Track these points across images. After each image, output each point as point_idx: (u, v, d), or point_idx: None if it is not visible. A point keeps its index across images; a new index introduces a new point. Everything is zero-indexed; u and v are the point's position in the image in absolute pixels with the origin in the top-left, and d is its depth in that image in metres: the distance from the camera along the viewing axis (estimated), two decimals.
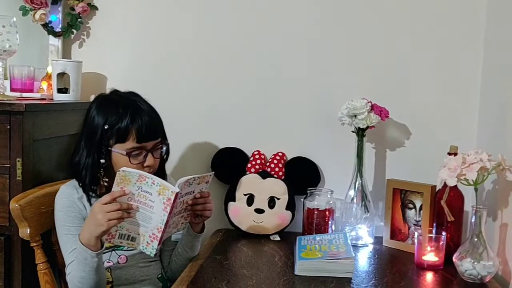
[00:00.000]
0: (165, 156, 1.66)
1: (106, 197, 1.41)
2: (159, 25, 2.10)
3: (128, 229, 1.45)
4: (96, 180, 1.58)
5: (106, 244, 1.49)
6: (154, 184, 1.40)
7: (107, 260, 1.60)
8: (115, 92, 1.65)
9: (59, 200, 1.59)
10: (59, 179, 1.77)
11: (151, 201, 1.41)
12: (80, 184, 1.59)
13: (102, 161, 1.55)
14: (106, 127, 1.53)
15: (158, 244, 1.43)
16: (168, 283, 1.69)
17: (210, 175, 1.56)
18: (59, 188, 1.64)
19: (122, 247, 1.60)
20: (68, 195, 1.58)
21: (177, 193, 1.39)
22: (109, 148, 1.54)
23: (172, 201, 1.39)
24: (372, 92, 1.94)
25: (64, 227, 1.56)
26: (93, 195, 1.58)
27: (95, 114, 1.57)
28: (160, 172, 1.65)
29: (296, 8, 2.03)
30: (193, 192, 1.53)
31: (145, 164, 1.56)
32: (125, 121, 1.53)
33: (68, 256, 1.53)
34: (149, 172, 1.54)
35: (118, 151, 1.54)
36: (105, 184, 1.57)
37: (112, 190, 1.42)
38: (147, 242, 1.44)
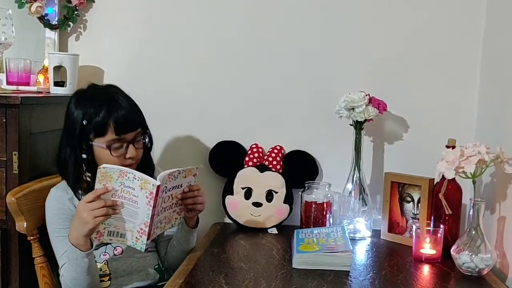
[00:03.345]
0: (148, 145, 1.64)
1: (89, 195, 1.40)
2: (157, 18, 2.08)
3: (116, 226, 1.44)
4: (79, 176, 1.57)
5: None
6: (135, 178, 1.39)
7: (103, 253, 1.61)
8: (92, 86, 1.63)
9: (50, 203, 1.59)
10: (56, 173, 1.75)
11: (135, 196, 1.40)
12: (67, 181, 1.58)
13: (84, 156, 1.54)
14: (84, 122, 1.52)
15: (148, 239, 1.42)
16: (165, 273, 1.70)
17: (197, 168, 1.56)
18: (56, 182, 1.64)
19: None
20: (58, 198, 1.58)
21: (158, 186, 1.38)
22: (90, 143, 1.54)
23: (154, 195, 1.38)
24: (370, 85, 1.93)
25: (55, 229, 1.56)
26: (80, 192, 1.58)
27: (73, 109, 1.56)
28: (146, 163, 1.65)
29: (294, 1, 2.02)
30: (181, 186, 1.52)
31: (127, 156, 1.55)
32: (102, 115, 1.52)
33: (60, 258, 1.53)
34: (132, 164, 1.55)
35: (99, 144, 1.53)
36: (88, 179, 1.56)
37: (95, 187, 1.41)
38: (136, 237, 1.44)
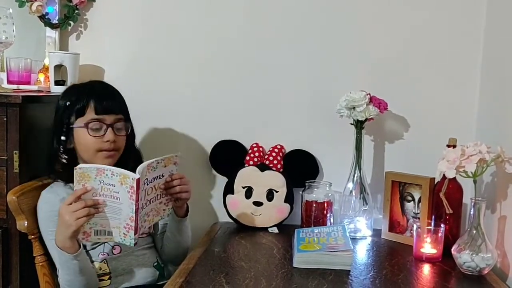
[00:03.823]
0: (130, 136, 1.66)
1: (69, 198, 1.40)
2: (157, 18, 2.08)
3: (102, 224, 1.43)
4: (55, 157, 1.59)
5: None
6: (114, 175, 1.38)
7: (101, 253, 1.60)
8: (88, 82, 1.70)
9: (41, 206, 1.59)
10: None
11: (116, 192, 1.40)
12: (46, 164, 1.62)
13: (63, 138, 1.57)
14: (67, 104, 1.57)
15: (135, 233, 1.42)
16: (165, 270, 1.70)
17: (176, 156, 1.55)
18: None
19: None
20: (48, 200, 1.58)
21: (138, 180, 1.37)
22: (71, 126, 1.57)
23: (135, 189, 1.37)
24: (370, 85, 1.92)
25: (48, 232, 1.55)
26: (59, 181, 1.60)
27: (60, 100, 1.62)
28: (133, 156, 1.66)
29: (294, 1, 2.02)
30: (163, 176, 1.51)
31: (105, 139, 1.56)
32: (84, 95, 1.57)
33: (56, 260, 1.53)
34: (111, 150, 1.56)
35: (78, 125, 1.56)
36: (64, 160, 1.58)
37: (74, 189, 1.41)
38: (124, 233, 1.43)
